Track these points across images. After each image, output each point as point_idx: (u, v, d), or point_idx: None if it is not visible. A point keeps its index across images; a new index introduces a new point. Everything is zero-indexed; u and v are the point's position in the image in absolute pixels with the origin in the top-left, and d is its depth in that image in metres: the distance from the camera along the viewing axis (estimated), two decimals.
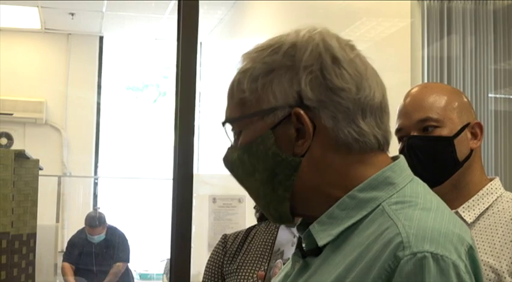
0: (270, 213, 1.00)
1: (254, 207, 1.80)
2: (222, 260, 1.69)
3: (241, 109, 0.98)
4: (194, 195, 2.64)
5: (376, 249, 0.85)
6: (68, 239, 6.17)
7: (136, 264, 6.90)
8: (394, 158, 1.00)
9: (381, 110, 0.98)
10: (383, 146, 0.98)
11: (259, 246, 1.67)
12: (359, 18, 4.18)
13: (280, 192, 0.96)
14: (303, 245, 0.99)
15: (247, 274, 1.62)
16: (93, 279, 5.90)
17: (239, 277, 1.62)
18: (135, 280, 6.42)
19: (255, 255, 1.65)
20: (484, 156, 3.50)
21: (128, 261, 6.06)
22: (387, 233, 0.86)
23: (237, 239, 1.72)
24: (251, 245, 1.68)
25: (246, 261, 1.65)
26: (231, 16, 6.93)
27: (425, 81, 3.48)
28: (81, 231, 6.05)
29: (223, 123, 1.02)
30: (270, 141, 0.95)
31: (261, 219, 1.80)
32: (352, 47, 1.00)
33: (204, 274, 1.71)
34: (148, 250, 7.43)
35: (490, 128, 3.53)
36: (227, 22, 7.08)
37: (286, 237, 1.51)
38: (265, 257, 1.62)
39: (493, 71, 3.59)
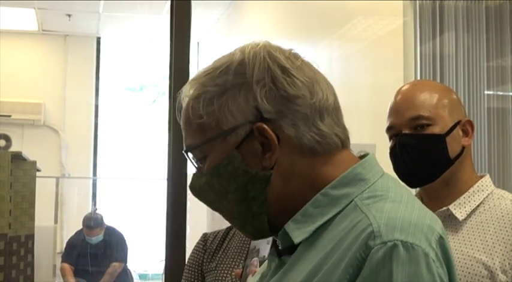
0: (247, 231, 1.01)
1: None
2: (202, 259, 1.71)
3: (201, 134, 0.98)
4: (190, 195, 2.65)
5: (349, 241, 0.87)
6: (67, 240, 6.19)
7: (135, 264, 6.91)
8: (363, 156, 1.02)
9: (335, 109, 1.00)
10: (345, 143, 1.01)
11: (237, 244, 1.69)
12: (355, 17, 4.19)
13: (256, 209, 0.97)
14: (278, 244, 1.00)
15: (225, 272, 1.64)
16: (92, 280, 5.91)
17: (217, 275, 1.64)
18: (134, 280, 6.43)
19: (233, 254, 1.67)
20: (477, 153, 3.52)
21: (125, 262, 6.07)
22: (359, 225, 0.88)
23: (217, 238, 1.74)
24: (230, 243, 1.71)
25: (224, 259, 1.67)
26: (228, 15, 6.94)
27: (418, 78, 3.49)
28: (79, 232, 6.06)
29: (186, 152, 1.02)
30: (237, 160, 0.96)
31: None
32: (296, 56, 1.02)
33: (184, 273, 1.73)
34: (148, 250, 7.44)
35: (483, 125, 3.55)
36: (224, 21, 7.09)
37: None
38: (243, 255, 1.64)
39: (486, 69, 3.60)
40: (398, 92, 1.67)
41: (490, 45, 3.62)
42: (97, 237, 5.96)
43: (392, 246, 0.84)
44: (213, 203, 1.02)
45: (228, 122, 0.96)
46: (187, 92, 1.01)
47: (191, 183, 1.03)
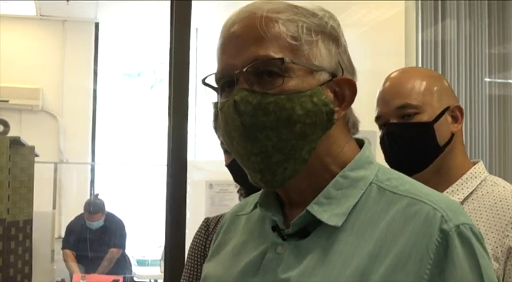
0: (275, 172, 0.94)
1: (238, 191, 1.79)
2: (204, 244, 1.68)
3: (291, 54, 0.93)
4: (190, 180, 2.64)
5: (413, 227, 0.90)
6: (65, 225, 6.19)
7: (134, 250, 6.92)
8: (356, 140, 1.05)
9: None
10: None
11: None
12: (355, 3, 4.17)
13: (304, 153, 0.94)
14: (281, 227, 0.99)
15: None
16: (91, 265, 5.92)
17: None
18: (132, 266, 6.44)
19: None
20: (478, 140, 3.52)
21: (123, 248, 6.08)
22: (417, 210, 0.91)
23: (219, 222, 1.71)
24: None
25: None
26: (227, 1, 6.89)
27: (420, 65, 3.49)
28: (79, 217, 6.06)
29: (271, 60, 0.92)
30: (322, 97, 0.94)
31: None
32: None
33: (187, 258, 1.70)
34: (146, 236, 7.45)
35: (484, 111, 3.55)
36: (224, 7, 7.06)
37: None
38: None
39: (488, 55, 3.59)
40: (387, 79, 1.65)
41: (491, 32, 3.61)
42: (98, 223, 5.97)
43: (463, 228, 0.90)
44: (264, 126, 0.92)
45: (318, 60, 0.95)
46: (267, 7, 0.95)
47: (243, 96, 0.92)
